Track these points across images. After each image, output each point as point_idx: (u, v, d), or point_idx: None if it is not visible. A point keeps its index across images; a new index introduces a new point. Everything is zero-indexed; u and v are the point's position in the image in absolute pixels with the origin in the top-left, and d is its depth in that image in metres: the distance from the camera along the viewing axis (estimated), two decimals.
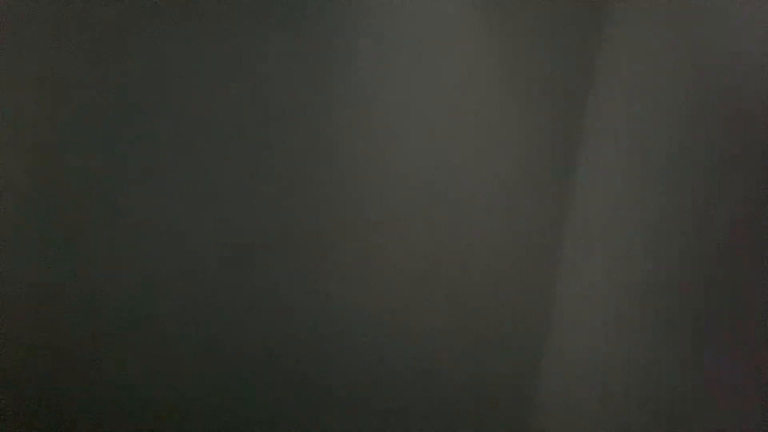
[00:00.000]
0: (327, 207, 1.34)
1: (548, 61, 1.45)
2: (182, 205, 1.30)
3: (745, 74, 1.05)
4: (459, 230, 1.37)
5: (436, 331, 1.39)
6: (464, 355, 1.37)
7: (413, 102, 1.40)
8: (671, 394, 1.11)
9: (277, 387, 1.18)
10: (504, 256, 1.40)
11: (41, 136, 1.25)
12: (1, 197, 1.23)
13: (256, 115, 1.33)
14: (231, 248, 1.23)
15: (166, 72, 1.29)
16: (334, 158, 1.36)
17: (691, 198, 1.12)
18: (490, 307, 1.38)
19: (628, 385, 1.19)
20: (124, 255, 1.29)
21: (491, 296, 1.40)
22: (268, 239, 1.25)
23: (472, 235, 1.39)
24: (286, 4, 1.34)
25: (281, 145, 1.32)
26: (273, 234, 1.27)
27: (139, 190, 1.29)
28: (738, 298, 1.03)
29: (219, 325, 1.28)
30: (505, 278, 1.40)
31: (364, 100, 1.39)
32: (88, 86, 1.26)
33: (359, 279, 1.34)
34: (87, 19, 1.26)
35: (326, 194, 1.35)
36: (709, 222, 1.09)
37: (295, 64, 1.32)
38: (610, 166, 1.35)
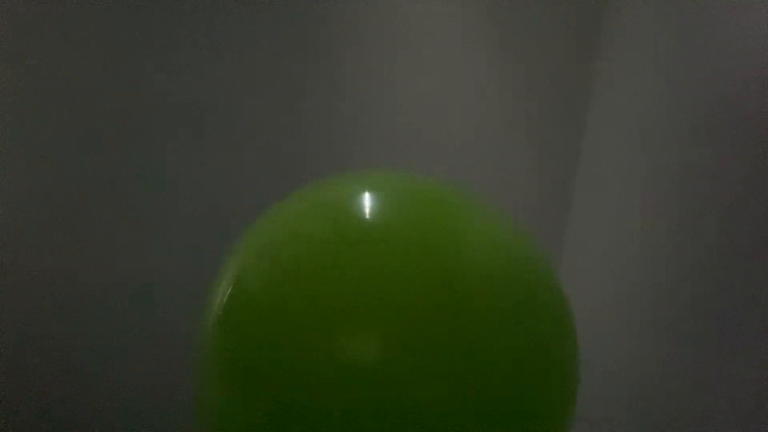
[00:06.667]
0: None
1: (550, 64, 1.45)
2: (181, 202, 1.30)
3: (746, 75, 1.04)
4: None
5: None
6: None
7: (414, 103, 1.40)
8: (672, 395, 1.11)
9: None
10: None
11: (40, 135, 1.25)
12: (2, 196, 1.23)
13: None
14: None
15: (165, 74, 1.29)
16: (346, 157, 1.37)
17: (691, 199, 1.12)
18: None
19: (628, 385, 1.18)
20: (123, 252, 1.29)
21: None
22: None
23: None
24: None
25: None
26: None
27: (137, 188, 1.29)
28: (739, 299, 1.03)
29: None
30: None
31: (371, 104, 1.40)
32: (87, 89, 1.27)
33: None
34: (85, 22, 1.26)
35: None
36: (710, 222, 1.09)
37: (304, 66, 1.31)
38: (610, 168, 1.35)
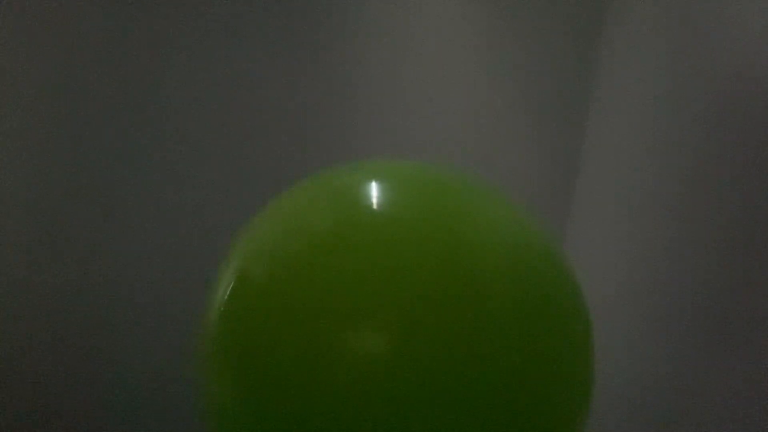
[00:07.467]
0: None
1: (552, 55, 1.45)
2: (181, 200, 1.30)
3: (745, 75, 1.05)
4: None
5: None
6: None
7: (414, 103, 1.40)
8: (672, 392, 1.11)
9: None
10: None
11: (39, 136, 1.25)
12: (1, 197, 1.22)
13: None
14: None
15: (165, 74, 1.29)
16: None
17: (694, 195, 1.12)
18: None
19: (628, 382, 1.18)
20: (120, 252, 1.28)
21: None
22: None
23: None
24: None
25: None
26: None
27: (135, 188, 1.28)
28: (740, 300, 1.03)
29: None
30: None
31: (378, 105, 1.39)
32: (85, 89, 1.26)
33: None
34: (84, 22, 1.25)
35: None
36: (713, 219, 1.09)
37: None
38: (611, 168, 1.35)
